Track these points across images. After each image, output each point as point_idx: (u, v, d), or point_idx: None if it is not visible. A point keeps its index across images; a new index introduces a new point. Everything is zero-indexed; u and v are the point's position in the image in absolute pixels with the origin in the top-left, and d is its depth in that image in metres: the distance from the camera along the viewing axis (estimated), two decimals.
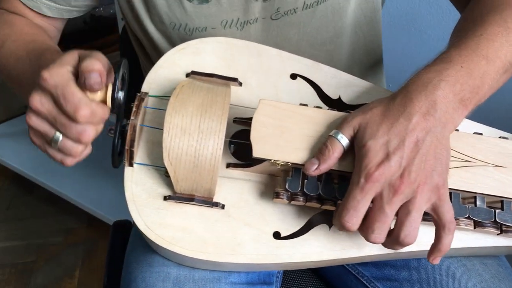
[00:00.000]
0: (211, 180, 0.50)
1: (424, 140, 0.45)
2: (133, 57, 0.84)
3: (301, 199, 0.51)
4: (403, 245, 0.48)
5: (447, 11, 1.07)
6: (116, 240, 0.80)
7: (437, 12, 1.08)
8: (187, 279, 0.56)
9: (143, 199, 0.52)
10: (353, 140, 0.48)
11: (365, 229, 0.47)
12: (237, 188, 0.53)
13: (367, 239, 0.47)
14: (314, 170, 0.48)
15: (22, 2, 0.67)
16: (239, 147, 0.55)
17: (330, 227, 0.53)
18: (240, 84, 0.56)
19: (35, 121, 0.46)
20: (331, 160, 0.48)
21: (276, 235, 0.52)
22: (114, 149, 0.50)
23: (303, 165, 0.49)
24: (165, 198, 0.52)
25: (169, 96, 0.54)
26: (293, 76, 0.58)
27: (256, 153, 0.49)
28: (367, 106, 0.49)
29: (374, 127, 0.46)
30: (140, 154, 0.53)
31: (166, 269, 0.57)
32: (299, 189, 0.50)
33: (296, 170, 0.51)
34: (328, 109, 0.53)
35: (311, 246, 0.52)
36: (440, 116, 0.46)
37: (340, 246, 0.53)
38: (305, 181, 0.50)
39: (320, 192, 0.50)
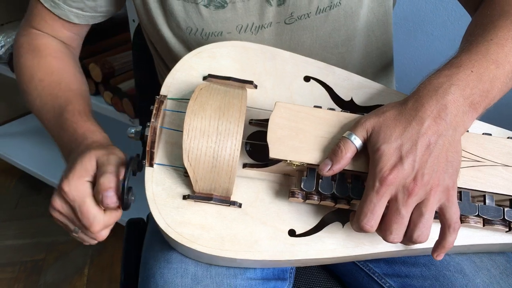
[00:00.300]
0: (229, 180, 0.52)
1: (436, 143, 0.47)
2: (145, 59, 0.86)
3: (316, 198, 0.53)
4: (416, 243, 0.50)
5: (453, 12, 1.08)
6: (131, 237, 0.82)
7: (442, 13, 1.09)
8: (205, 275, 0.58)
9: (163, 198, 0.53)
10: (366, 142, 0.50)
11: (383, 230, 0.48)
12: (253, 187, 0.55)
13: (386, 240, 0.49)
14: (328, 170, 0.50)
15: (51, 12, 0.69)
16: (254, 148, 0.57)
17: (343, 225, 0.55)
18: (256, 86, 0.58)
19: (57, 215, 0.55)
20: (344, 160, 0.50)
21: (291, 233, 0.54)
22: (122, 198, 0.52)
23: (317, 165, 0.51)
24: (184, 197, 0.53)
25: (188, 99, 0.56)
26: (307, 79, 0.60)
27: (273, 154, 0.51)
28: (380, 110, 0.50)
29: (387, 131, 0.48)
30: (159, 155, 0.55)
31: (184, 265, 0.59)
32: (314, 188, 0.52)
33: (311, 170, 0.52)
34: (341, 111, 0.55)
35: (325, 244, 0.54)
36: (451, 120, 0.48)
37: (353, 243, 0.55)
38: (320, 180, 0.52)
39: (334, 191, 0.52)
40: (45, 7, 0.69)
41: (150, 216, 0.74)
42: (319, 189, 0.52)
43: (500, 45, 0.52)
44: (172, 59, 0.71)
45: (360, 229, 0.48)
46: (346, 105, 0.59)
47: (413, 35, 1.10)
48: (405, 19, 1.09)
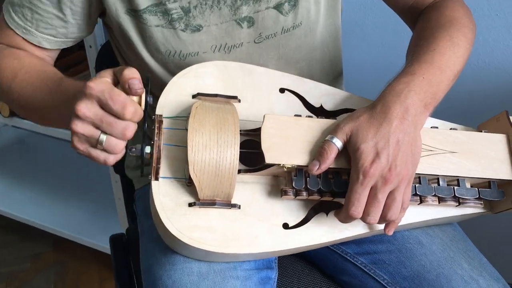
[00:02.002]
0: (230, 186, 0.59)
1: (404, 139, 0.58)
2: None
3: (305, 194, 0.61)
4: (389, 221, 0.60)
5: (381, 20, 1.22)
6: (118, 251, 0.86)
7: (372, 22, 1.23)
8: (209, 271, 0.65)
9: (171, 208, 0.59)
10: (345, 143, 0.59)
11: (363, 214, 0.58)
12: (248, 190, 0.63)
13: (365, 221, 0.59)
14: (317, 169, 0.59)
15: (22, 38, 0.71)
16: (244, 155, 0.64)
17: (327, 214, 0.64)
18: (239, 100, 0.66)
19: (81, 126, 0.53)
20: (329, 160, 0.59)
21: (285, 226, 0.62)
22: (142, 160, 0.57)
23: (306, 166, 0.60)
24: (190, 204, 0.60)
25: (182, 116, 0.62)
26: (282, 90, 0.68)
27: (268, 159, 0.59)
28: (354, 115, 0.60)
29: (363, 132, 0.57)
30: (162, 169, 0.61)
31: (188, 265, 0.65)
32: (303, 186, 0.61)
33: (299, 170, 0.61)
34: (318, 117, 0.64)
35: (314, 232, 0.63)
36: (412, 119, 0.59)
37: (337, 230, 0.64)
38: (307, 178, 0.61)
39: (320, 186, 0.61)
40: (17, 33, 0.71)
41: (141, 229, 0.80)
42: (308, 186, 0.60)
43: (441, 53, 0.64)
44: (152, 80, 0.76)
45: (349, 216, 0.58)
46: (318, 111, 0.68)
47: (348, 42, 1.22)
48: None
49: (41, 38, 0.72)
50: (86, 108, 0.52)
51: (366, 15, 1.21)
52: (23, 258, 1.59)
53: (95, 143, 0.53)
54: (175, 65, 0.72)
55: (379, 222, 0.60)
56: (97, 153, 0.55)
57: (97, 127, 0.53)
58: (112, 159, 0.55)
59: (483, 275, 0.69)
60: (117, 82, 0.55)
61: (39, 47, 0.73)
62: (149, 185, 0.62)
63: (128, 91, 0.53)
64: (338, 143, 0.59)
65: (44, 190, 1.61)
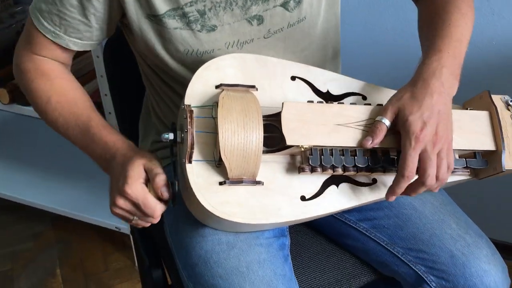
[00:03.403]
0: (255, 166, 0.67)
1: (443, 109, 0.68)
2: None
3: (319, 170, 0.70)
4: (442, 180, 0.69)
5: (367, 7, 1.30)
6: (141, 230, 0.93)
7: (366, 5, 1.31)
8: (236, 240, 0.74)
9: (204, 187, 0.67)
10: (393, 121, 0.68)
11: (421, 176, 0.67)
12: (269, 168, 0.71)
13: (424, 182, 0.67)
14: (370, 144, 0.68)
15: (52, 41, 0.77)
16: (264, 137, 0.72)
17: (337, 186, 0.73)
18: (257, 89, 0.73)
19: (118, 211, 0.69)
20: (381, 136, 0.68)
21: (303, 198, 0.71)
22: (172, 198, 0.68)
23: (321, 146, 0.68)
24: (221, 183, 0.68)
25: (208, 105, 0.70)
26: (293, 78, 0.76)
27: (289, 141, 0.67)
28: (398, 95, 0.70)
29: (409, 107, 0.67)
30: (194, 153, 0.68)
31: (217, 236, 0.74)
32: (319, 163, 0.69)
33: (314, 150, 0.69)
34: (328, 102, 0.72)
35: (327, 202, 0.72)
36: (447, 91, 0.69)
37: (346, 199, 0.73)
38: (322, 156, 0.70)
39: (333, 163, 0.70)
40: (47, 37, 0.77)
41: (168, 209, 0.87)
42: (323, 163, 0.69)
43: (456, 26, 0.74)
44: (170, 76, 0.83)
45: (405, 178, 0.66)
46: (325, 96, 0.77)
47: None
48: None
49: (68, 41, 0.78)
50: (123, 204, 0.67)
51: None
52: (25, 238, 1.65)
53: (130, 221, 0.70)
54: (192, 62, 0.79)
55: (435, 184, 0.69)
56: (131, 223, 0.71)
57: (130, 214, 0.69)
58: (145, 225, 0.72)
59: (469, 233, 0.81)
60: (147, 179, 0.68)
61: (65, 48, 0.79)
62: (170, 166, 0.71)
63: (159, 196, 0.67)
64: (386, 122, 0.68)
65: (42, 171, 1.65)
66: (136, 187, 0.66)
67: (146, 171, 0.68)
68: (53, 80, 0.79)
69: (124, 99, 1.05)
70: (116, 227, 1.46)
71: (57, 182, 1.61)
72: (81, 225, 1.58)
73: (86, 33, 0.78)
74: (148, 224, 0.71)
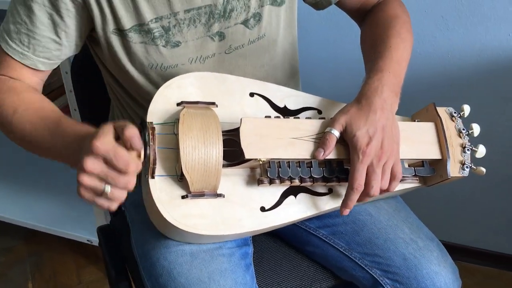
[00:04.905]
0: (216, 179, 0.71)
1: (386, 124, 0.73)
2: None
3: (277, 181, 0.74)
4: (387, 190, 0.74)
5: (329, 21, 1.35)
6: (109, 240, 0.96)
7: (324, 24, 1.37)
8: (199, 251, 0.77)
9: (167, 201, 0.70)
10: (342, 133, 0.73)
11: (366, 188, 0.72)
12: (230, 181, 0.75)
13: (369, 193, 0.72)
14: (322, 155, 0.72)
15: (20, 62, 0.77)
16: (224, 151, 0.76)
17: (295, 197, 0.77)
18: (217, 106, 0.77)
19: (87, 180, 0.59)
20: (331, 147, 0.73)
21: (262, 209, 0.75)
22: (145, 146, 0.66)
23: (276, 158, 0.72)
24: (183, 197, 0.71)
25: (169, 122, 0.73)
26: (251, 95, 0.80)
27: (248, 155, 0.71)
28: (345, 109, 0.75)
29: (356, 122, 0.72)
30: (157, 169, 0.71)
31: (180, 247, 0.77)
32: (277, 175, 0.73)
33: (272, 163, 0.74)
34: (285, 117, 0.76)
35: (286, 212, 0.76)
36: (389, 108, 0.74)
37: (304, 209, 0.77)
38: (279, 169, 0.74)
39: (290, 174, 0.74)
40: (14, 59, 0.77)
41: (131, 219, 0.90)
42: (280, 175, 0.73)
43: (396, 49, 0.80)
44: (134, 89, 0.86)
45: (354, 191, 0.71)
46: (282, 111, 0.81)
47: None
48: None
49: (37, 61, 0.78)
50: (92, 164, 0.58)
51: (315, 17, 1.34)
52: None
53: (100, 193, 0.60)
54: (157, 75, 0.83)
55: (380, 193, 0.74)
56: (101, 201, 0.61)
57: (102, 180, 0.60)
58: (115, 206, 0.62)
59: (421, 237, 0.85)
60: (118, 137, 0.61)
61: (34, 69, 0.79)
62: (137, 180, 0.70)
63: (129, 148, 0.60)
64: (336, 133, 0.73)
65: (13, 185, 1.65)
66: (105, 139, 0.59)
67: (115, 129, 0.62)
68: (19, 94, 0.77)
69: (92, 112, 1.07)
70: (88, 240, 1.48)
71: (28, 196, 1.62)
72: (54, 239, 1.58)
73: (56, 52, 0.79)
74: (123, 195, 0.61)
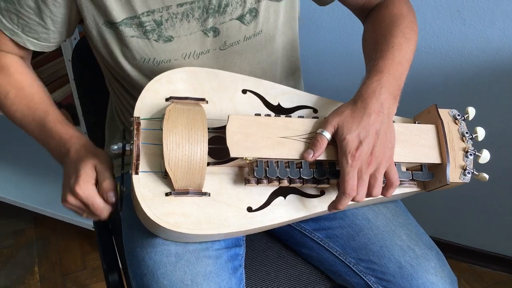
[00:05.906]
0: (200, 177, 0.69)
1: (380, 129, 0.69)
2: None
3: (265, 181, 0.72)
4: (373, 197, 0.71)
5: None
6: (103, 234, 0.95)
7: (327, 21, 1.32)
8: (184, 251, 0.75)
9: (150, 198, 0.69)
10: (333, 135, 0.70)
11: None
12: (217, 179, 0.73)
13: (355, 199, 0.69)
14: (311, 157, 0.70)
15: (10, 38, 0.79)
16: (212, 149, 0.74)
17: (285, 198, 0.75)
18: (207, 102, 0.75)
19: (69, 206, 0.72)
20: (322, 149, 0.70)
21: (249, 209, 0.73)
22: (119, 202, 0.71)
23: (264, 158, 0.70)
24: (167, 194, 0.69)
25: (157, 118, 0.71)
26: (244, 91, 0.78)
27: (233, 154, 0.69)
28: (339, 110, 0.71)
29: (348, 125, 0.69)
30: (141, 164, 0.70)
31: (166, 247, 0.76)
32: (264, 175, 0.71)
33: (259, 162, 0.71)
34: (275, 115, 0.74)
35: (274, 213, 0.74)
36: (386, 112, 0.70)
37: (294, 210, 0.75)
38: (267, 168, 0.71)
39: (278, 175, 0.71)
40: (5, 34, 0.79)
41: (122, 215, 0.89)
42: (268, 174, 0.71)
43: (399, 49, 0.75)
44: (128, 82, 0.84)
45: (346, 195, 0.68)
46: (275, 109, 0.78)
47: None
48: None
49: (26, 40, 0.79)
50: (73, 201, 0.71)
51: (317, 15, 1.30)
52: (6, 235, 1.67)
53: (80, 215, 0.74)
54: (150, 70, 0.81)
55: (367, 196, 0.71)
56: (82, 216, 0.75)
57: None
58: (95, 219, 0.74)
59: (419, 245, 0.82)
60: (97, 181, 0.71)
61: (23, 47, 0.81)
62: (128, 174, 0.71)
63: (105, 200, 0.70)
64: (327, 135, 0.70)
65: (23, 169, 1.67)
66: (86, 187, 0.69)
67: (96, 172, 0.71)
68: (11, 76, 0.80)
69: (93, 102, 1.07)
70: (92, 227, 1.48)
71: (38, 181, 1.64)
72: (61, 224, 1.60)
73: (43, 35, 0.79)
74: (98, 219, 0.74)
